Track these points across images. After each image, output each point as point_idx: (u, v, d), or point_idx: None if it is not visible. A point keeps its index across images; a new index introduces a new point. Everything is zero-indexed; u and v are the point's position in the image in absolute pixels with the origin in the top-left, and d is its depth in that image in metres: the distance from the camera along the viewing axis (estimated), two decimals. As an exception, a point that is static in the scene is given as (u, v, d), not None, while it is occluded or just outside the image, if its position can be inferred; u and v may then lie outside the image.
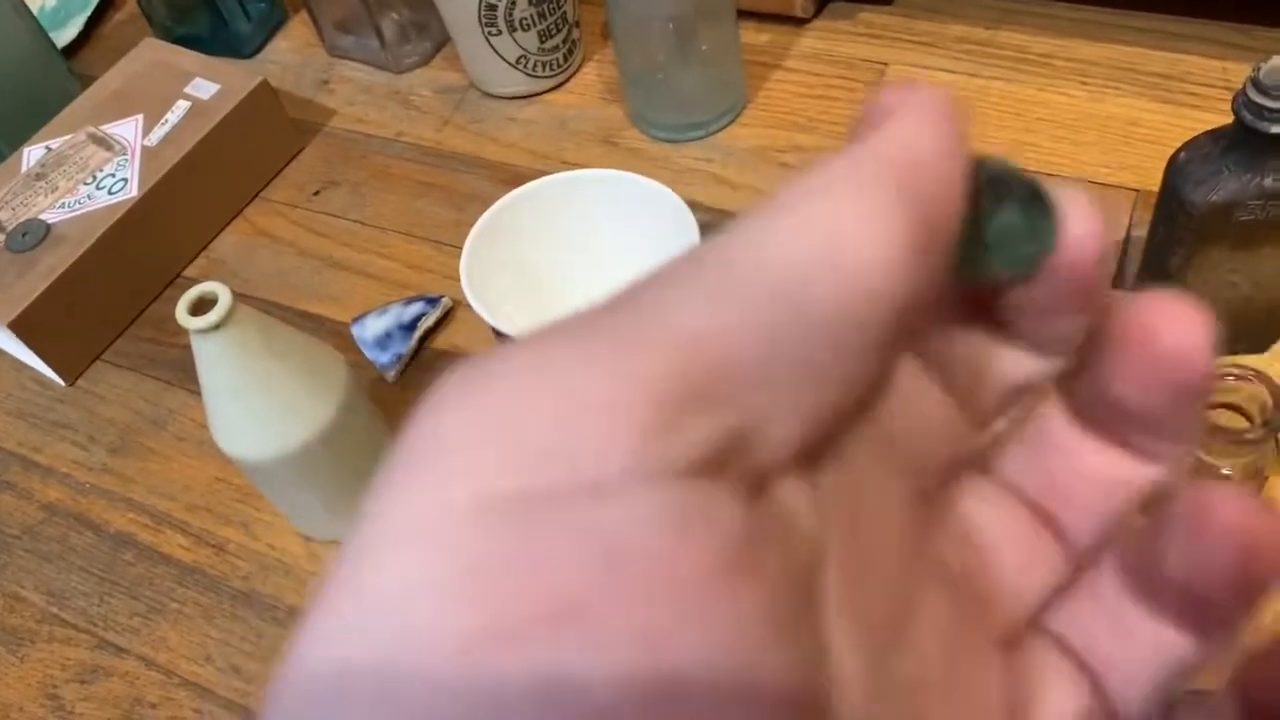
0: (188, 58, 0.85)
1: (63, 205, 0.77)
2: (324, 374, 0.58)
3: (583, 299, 0.53)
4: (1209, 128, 0.52)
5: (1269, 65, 0.47)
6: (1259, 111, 0.47)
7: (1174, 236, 0.53)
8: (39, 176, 0.79)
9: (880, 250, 0.15)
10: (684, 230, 0.57)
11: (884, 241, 0.15)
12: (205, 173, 0.80)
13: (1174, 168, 0.52)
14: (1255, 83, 0.47)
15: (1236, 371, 0.50)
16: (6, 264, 0.74)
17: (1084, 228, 0.17)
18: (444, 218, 0.79)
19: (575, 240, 0.62)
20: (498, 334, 0.55)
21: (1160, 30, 0.77)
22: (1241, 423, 0.51)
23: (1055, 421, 0.20)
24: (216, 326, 0.53)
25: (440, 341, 0.72)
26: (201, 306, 0.53)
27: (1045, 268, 0.17)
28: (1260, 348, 0.59)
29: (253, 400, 0.56)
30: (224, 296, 0.53)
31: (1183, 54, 0.76)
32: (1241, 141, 0.49)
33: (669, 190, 0.58)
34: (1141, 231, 0.60)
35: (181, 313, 0.53)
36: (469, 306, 0.57)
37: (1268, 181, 0.49)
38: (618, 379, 0.13)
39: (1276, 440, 0.50)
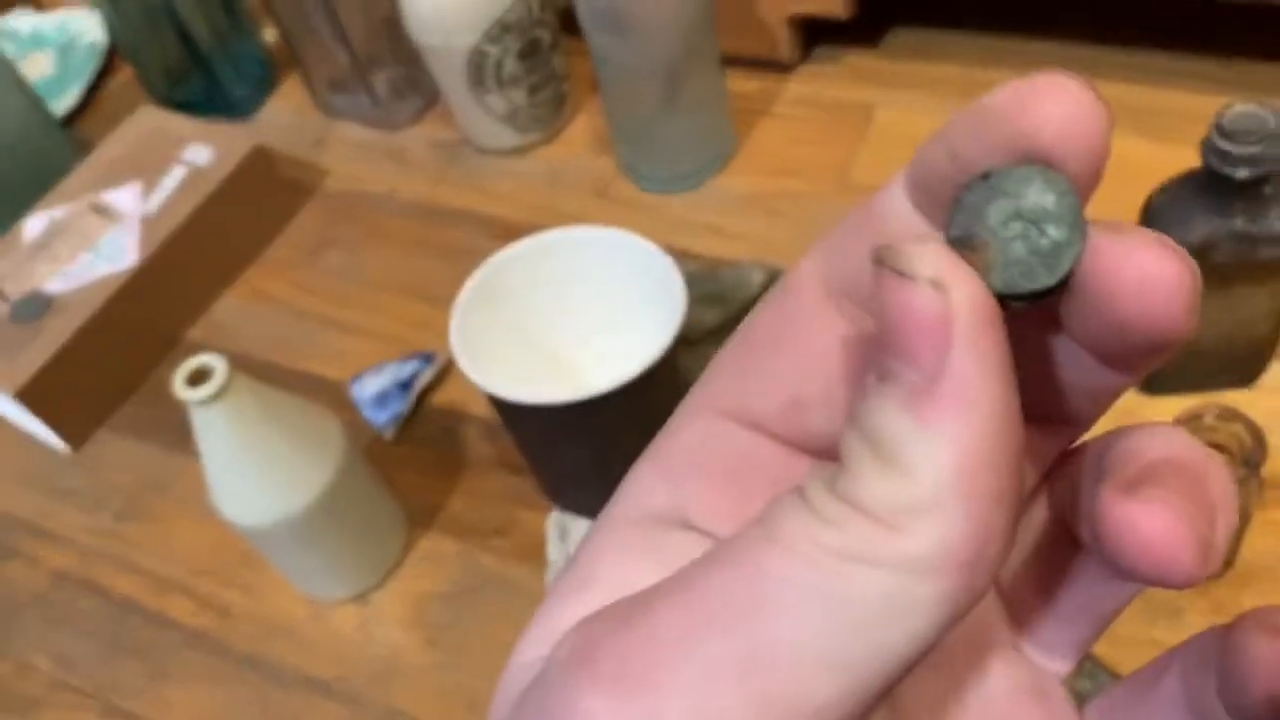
0: (183, 124, 0.86)
1: (65, 275, 0.78)
2: (321, 439, 0.59)
3: (574, 353, 0.54)
4: (1193, 163, 0.53)
5: (1232, 112, 0.47)
6: (1225, 157, 0.47)
7: (1152, 278, 0.54)
8: (41, 247, 0.80)
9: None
10: (670, 286, 0.58)
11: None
12: (204, 237, 0.81)
13: (1149, 211, 0.53)
14: (1220, 129, 0.47)
15: (1217, 411, 0.51)
16: (11, 334, 0.76)
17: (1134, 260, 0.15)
18: (440, 273, 0.80)
19: (565, 296, 0.63)
20: (492, 399, 0.56)
21: (1142, 66, 0.78)
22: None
23: None
24: (213, 397, 0.54)
25: (438, 398, 0.73)
26: (198, 377, 0.54)
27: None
28: (1245, 382, 0.60)
29: (251, 467, 0.57)
30: (220, 368, 0.54)
31: (1165, 89, 0.77)
32: (1211, 186, 0.49)
33: (656, 247, 0.59)
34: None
35: (179, 384, 0.54)
36: (461, 367, 0.58)
37: (1238, 223, 0.50)
38: None
39: (1259, 479, 0.51)
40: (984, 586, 0.14)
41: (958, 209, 0.15)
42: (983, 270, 0.15)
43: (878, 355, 0.15)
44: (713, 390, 0.19)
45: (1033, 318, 0.17)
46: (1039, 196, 0.15)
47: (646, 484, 0.18)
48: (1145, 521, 0.15)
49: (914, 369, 0.14)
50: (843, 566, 0.14)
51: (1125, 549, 0.15)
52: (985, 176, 0.15)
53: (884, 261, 0.14)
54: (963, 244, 0.15)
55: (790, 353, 0.18)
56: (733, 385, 0.18)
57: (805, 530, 0.14)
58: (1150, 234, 0.15)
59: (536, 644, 0.17)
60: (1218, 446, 0.52)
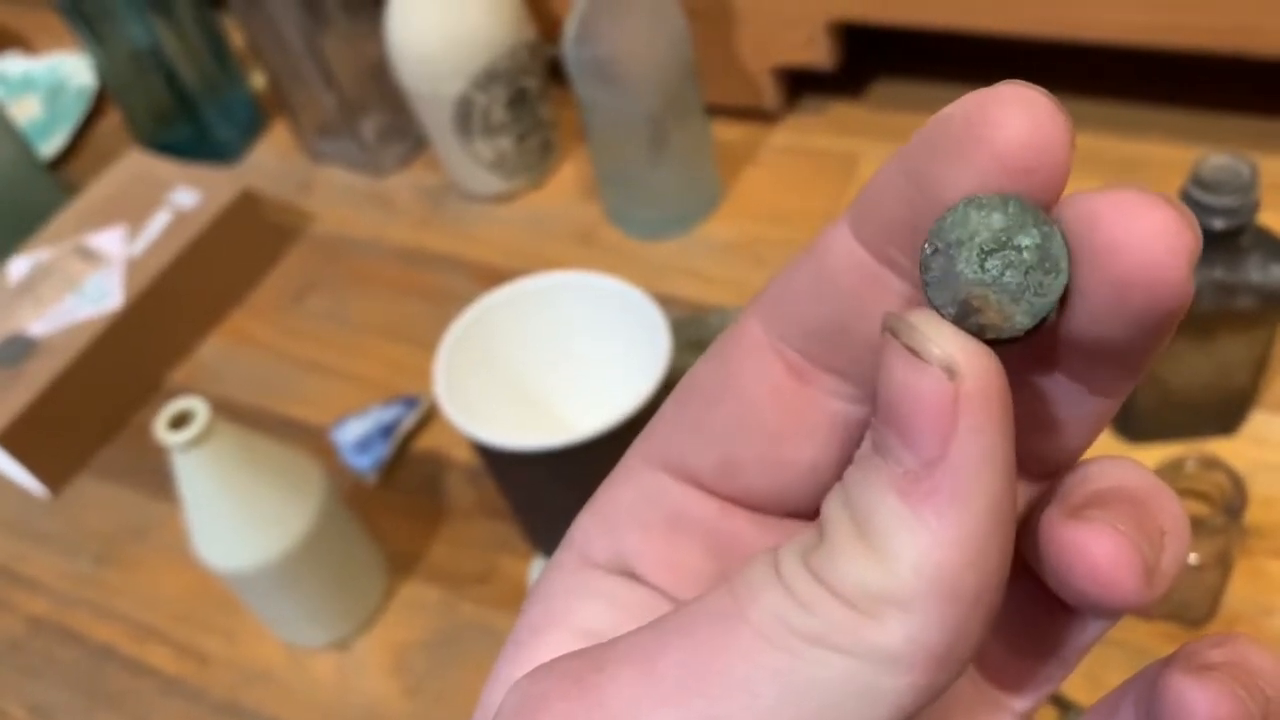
0: (170, 167, 0.86)
1: (48, 317, 0.78)
2: (301, 484, 0.59)
3: (558, 399, 0.53)
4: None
5: (1209, 164, 0.48)
6: (1202, 208, 0.48)
7: (1133, 327, 0.55)
8: (25, 289, 0.80)
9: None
10: (656, 331, 0.58)
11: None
12: (188, 281, 0.81)
13: (1128, 261, 0.54)
14: (1197, 181, 0.48)
15: (1198, 459, 0.51)
16: (-8, 377, 0.75)
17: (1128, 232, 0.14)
18: (424, 318, 0.80)
19: (549, 341, 0.63)
20: (475, 445, 0.56)
21: (1119, 119, 0.79)
22: (1205, 510, 0.51)
23: None
24: (195, 441, 0.54)
25: (421, 443, 0.73)
26: (180, 421, 0.54)
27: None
28: (1226, 431, 0.60)
29: (231, 512, 0.56)
30: (201, 412, 0.54)
31: (1141, 141, 0.78)
32: (1190, 236, 0.50)
33: (640, 292, 0.59)
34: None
35: (161, 428, 0.54)
36: (444, 412, 0.57)
37: (1217, 273, 0.50)
38: None
39: (1240, 527, 0.51)
40: (951, 680, 0.14)
41: (930, 288, 0.15)
42: (1001, 324, 0.14)
43: (875, 424, 0.14)
44: (652, 444, 0.18)
45: (1016, 357, 0.16)
46: (985, 221, 0.14)
47: (589, 534, 0.18)
48: (1087, 542, 0.15)
49: (911, 452, 0.13)
50: (808, 650, 0.13)
51: (1068, 569, 0.15)
52: (929, 247, 0.15)
53: (896, 334, 0.14)
54: (965, 314, 0.14)
55: (728, 410, 0.17)
56: (670, 441, 0.18)
57: (774, 606, 0.14)
58: (1142, 188, 0.14)
59: (497, 691, 0.17)
60: (1199, 495, 0.52)
